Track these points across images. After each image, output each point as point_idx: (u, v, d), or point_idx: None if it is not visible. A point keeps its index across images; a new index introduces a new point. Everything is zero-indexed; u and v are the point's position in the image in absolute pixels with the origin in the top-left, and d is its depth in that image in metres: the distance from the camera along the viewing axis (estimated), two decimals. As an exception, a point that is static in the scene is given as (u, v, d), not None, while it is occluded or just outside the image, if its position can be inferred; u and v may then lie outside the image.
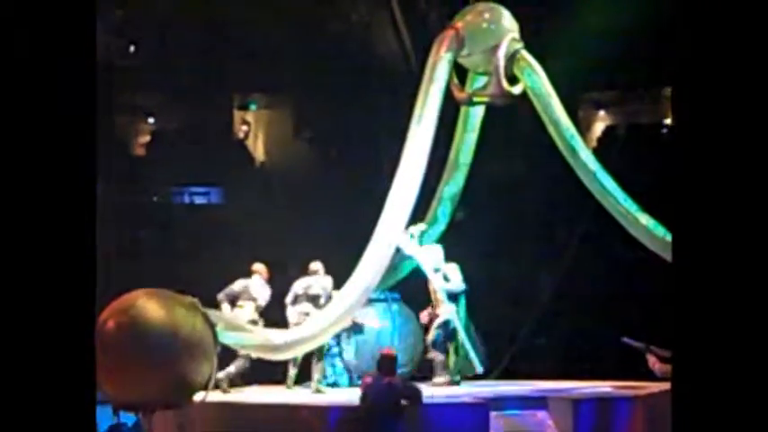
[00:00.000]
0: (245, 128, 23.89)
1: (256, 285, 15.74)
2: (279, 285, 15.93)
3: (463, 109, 16.53)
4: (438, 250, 16.25)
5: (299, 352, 15.00)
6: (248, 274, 15.81)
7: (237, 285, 15.61)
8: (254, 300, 15.66)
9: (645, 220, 15.27)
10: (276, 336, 14.46)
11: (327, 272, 15.86)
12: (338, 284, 15.05)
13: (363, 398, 12.24)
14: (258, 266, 15.91)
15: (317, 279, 15.69)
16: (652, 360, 14.47)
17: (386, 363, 12.40)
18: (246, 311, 15.54)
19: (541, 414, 14.51)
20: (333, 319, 14.66)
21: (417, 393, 12.26)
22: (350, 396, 14.16)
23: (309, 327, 14.72)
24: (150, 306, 12.34)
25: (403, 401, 12.15)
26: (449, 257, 16.39)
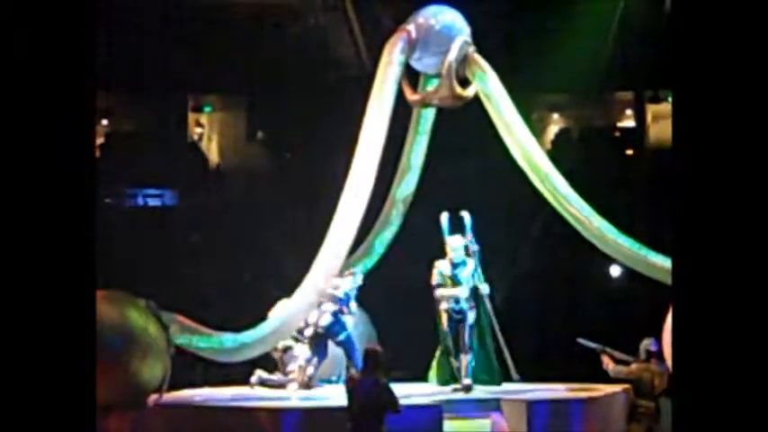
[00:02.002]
0: (199, 130, 23.86)
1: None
2: (235, 286, 15.90)
3: (415, 111, 16.56)
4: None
5: (250, 355, 14.89)
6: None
7: None
8: None
9: (597, 222, 15.31)
10: (228, 339, 14.47)
11: (280, 273, 15.81)
12: (292, 287, 15.03)
13: (350, 396, 12.05)
14: None
15: (342, 280, 15.64)
16: (606, 360, 14.63)
17: (371, 359, 12.22)
18: None
19: (495, 416, 14.45)
20: (282, 323, 14.74)
21: (395, 399, 11.98)
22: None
23: (260, 330, 14.70)
24: (103, 307, 12.30)
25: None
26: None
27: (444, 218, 15.66)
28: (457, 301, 15.42)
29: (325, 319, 15.55)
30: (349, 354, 15.53)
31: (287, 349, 15.87)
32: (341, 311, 15.52)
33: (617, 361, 14.79)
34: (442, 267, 15.51)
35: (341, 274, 15.50)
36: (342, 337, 15.52)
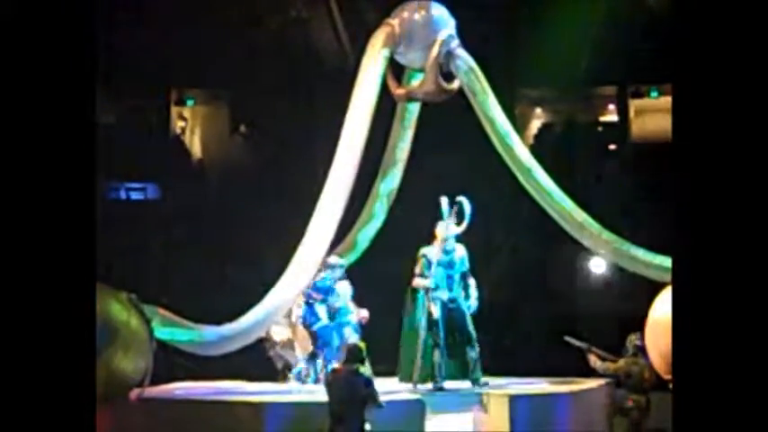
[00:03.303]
0: (182, 123, 23.88)
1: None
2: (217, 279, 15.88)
3: (400, 105, 16.58)
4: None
5: (231, 348, 14.87)
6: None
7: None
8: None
9: (579, 216, 15.42)
10: (209, 332, 14.52)
11: (262, 267, 15.81)
12: (273, 280, 15.00)
13: (330, 389, 12.17)
14: None
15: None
16: (593, 359, 14.80)
17: (352, 352, 12.34)
18: None
19: (477, 410, 14.52)
20: (264, 316, 14.72)
21: (375, 393, 12.09)
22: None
23: (242, 323, 14.70)
24: (85, 301, 12.31)
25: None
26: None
27: (444, 202, 15.12)
28: (450, 288, 15.01)
29: (298, 311, 15.56)
30: (320, 345, 15.36)
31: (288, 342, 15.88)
32: (310, 301, 15.38)
33: (603, 359, 14.93)
34: (431, 254, 15.02)
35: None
36: (315, 327, 15.36)
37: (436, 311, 14.91)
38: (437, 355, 14.89)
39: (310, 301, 15.42)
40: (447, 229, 15.06)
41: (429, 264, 15.00)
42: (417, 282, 15.04)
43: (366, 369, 12.39)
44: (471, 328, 15.00)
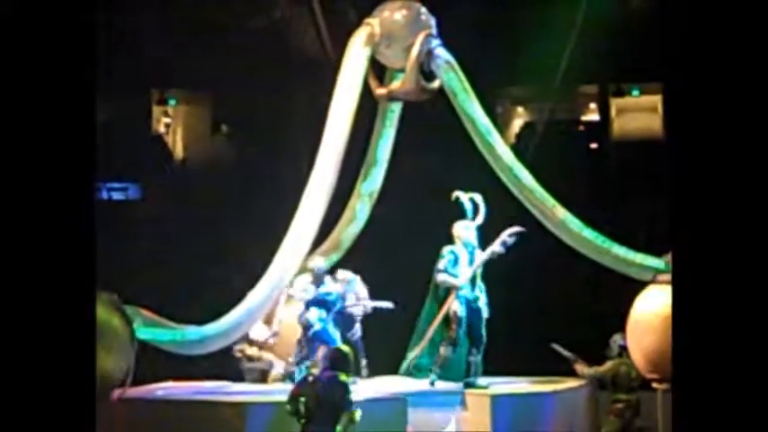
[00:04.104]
0: (166, 121, 23.95)
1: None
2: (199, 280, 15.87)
3: (381, 105, 16.61)
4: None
5: (212, 348, 14.94)
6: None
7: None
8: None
9: (561, 213, 15.45)
10: (192, 332, 14.56)
11: (244, 266, 15.83)
12: (255, 280, 15.07)
13: (307, 392, 12.11)
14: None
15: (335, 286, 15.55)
16: (579, 368, 14.99)
17: (332, 358, 12.33)
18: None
19: (459, 409, 14.62)
20: (246, 315, 14.77)
21: (349, 402, 12.05)
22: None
23: (222, 324, 14.75)
24: (67, 302, 12.35)
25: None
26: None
27: (465, 199, 15.16)
28: (473, 287, 14.91)
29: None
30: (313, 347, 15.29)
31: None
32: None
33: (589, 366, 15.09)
34: (458, 251, 14.93)
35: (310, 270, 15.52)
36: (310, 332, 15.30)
37: (461, 309, 14.86)
38: (446, 350, 14.89)
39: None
40: (467, 227, 15.08)
41: (456, 261, 14.92)
42: (444, 278, 14.91)
43: (347, 378, 12.30)
44: (484, 331, 14.98)
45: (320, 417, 11.89)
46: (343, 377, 12.12)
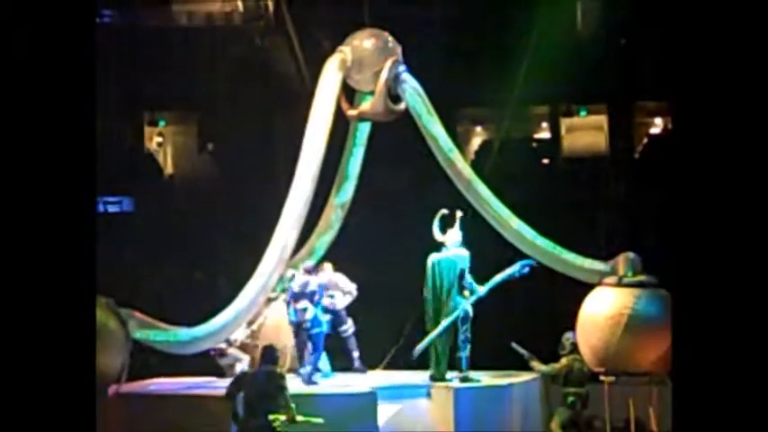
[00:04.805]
0: (158, 140, 24.34)
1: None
2: (190, 284, 16.15)
3: (352, 125, 17.12)
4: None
5: (202, 347, 15.56)
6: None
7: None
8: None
9: (516, 224, 15.99)
10: (182, 333, 15.19)
11: (230, 273, 16.50)
12: (240, 284, 15.60)
13: (242, 389, 12.58)
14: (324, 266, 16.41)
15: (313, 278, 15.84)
16: (535, 365, 15.60)
17: (268, 353, 12.92)
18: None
19: (424, 402, 15.28)
20: (233, 317, 15.34)
21: (287, 403, 12.45)
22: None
23: (211, 325, 15.32)
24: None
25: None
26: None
27: (458, 214, 15.91)
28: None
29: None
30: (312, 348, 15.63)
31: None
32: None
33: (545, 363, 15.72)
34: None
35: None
36: (313, 331, 15.62)
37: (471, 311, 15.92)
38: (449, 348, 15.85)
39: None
40: (454, 236, 15.96)
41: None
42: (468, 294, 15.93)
43: (280, 370, 12.78)
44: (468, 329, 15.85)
45: (261, 409, 12.33)
46: (278, 370, 12.66)
